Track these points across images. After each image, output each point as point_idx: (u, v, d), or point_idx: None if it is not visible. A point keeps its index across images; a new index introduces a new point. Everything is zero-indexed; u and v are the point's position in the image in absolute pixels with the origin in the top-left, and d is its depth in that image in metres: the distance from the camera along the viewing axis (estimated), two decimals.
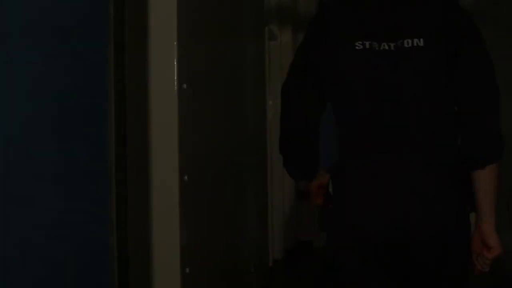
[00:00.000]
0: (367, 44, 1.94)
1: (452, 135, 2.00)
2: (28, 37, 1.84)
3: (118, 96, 2.59)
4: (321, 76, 2.05)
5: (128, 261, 2.64)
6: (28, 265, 1.83)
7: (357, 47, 1.95)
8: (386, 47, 1.93)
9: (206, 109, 3.07)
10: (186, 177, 2.73)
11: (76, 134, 2.20)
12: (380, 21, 1.96)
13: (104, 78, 2.44)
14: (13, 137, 1.77)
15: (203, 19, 3.05)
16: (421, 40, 1.91)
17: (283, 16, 6.06)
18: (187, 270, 2.71)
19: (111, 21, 2.49)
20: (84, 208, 2.23)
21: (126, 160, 2.64)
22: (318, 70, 2.05)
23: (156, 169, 2.65)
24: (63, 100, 2.12)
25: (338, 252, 2.09)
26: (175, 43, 2.63)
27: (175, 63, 2.65)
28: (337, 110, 2.08)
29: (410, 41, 1.92)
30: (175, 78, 2.64)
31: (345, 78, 2.00)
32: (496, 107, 1.94)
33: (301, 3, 6.32)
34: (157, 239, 2.65)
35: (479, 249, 2.00)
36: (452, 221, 1.99)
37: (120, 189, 2.54)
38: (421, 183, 1.96)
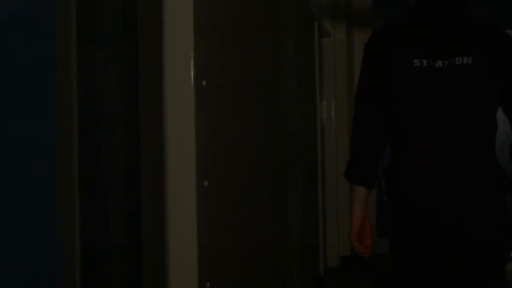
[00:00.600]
0: (424, 62, 2.24)
1: (494, 145, 2.32)
2: None
3: (130, 94, 2.37)
4: (385, 94, 2.32)
5: (141, 274, 2.42)
6: None
7: (415, 64, 2.25)
8: (441, 64, 2.24)
9: (230, 109, 2.83)
10: (206, 183, 2.49)
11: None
12: (435, 41, 2.27)
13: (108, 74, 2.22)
14: None
15: (229, 10, 2.81)
16: (470, 58, 2.22)
17: (337, 12, 5.77)
18: (208, 285, 2.47)
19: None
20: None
21: (138, 164, 2.42)
22: (382, 89, 2.32)
23: (171, 174, 2.42)
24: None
25: (397, 236, 2.37)
26: (191, 33, 2.39)
27: (192, 56, 2.41)
28: (395, 121, 2.34)
29: (460, 58, 2.23)
30: (192, 73, 2.40)
31: (404, 92, 2.29)
32: None
33: None
34: (173, 251, 2.42)
35: None
36: (498, 219, 2.28)
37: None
38: (473, 188, 2.26)
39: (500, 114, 2.34)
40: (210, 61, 2.58)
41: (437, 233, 2.29)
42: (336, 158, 5.76)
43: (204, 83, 2.49)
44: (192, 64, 2.41)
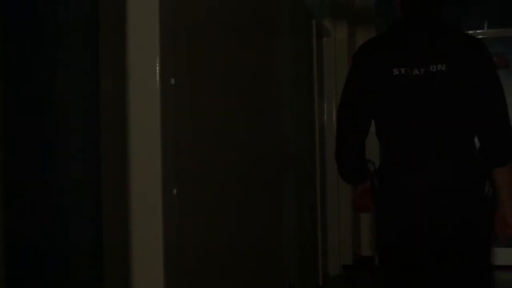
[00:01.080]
0: (402, 70, 2.45)
1: (471, 140, 2.53)
2: None
3: (89, 93, 2.17)
4: (367, 99, 2.51)
5: None
6: None
7: (394, 73, 2.46)
8: (417, 72, 2.44)
9: (209, 110, 2.61)
10: (175, 191, 2.27)
11: None
12: (413, 51, 2.48)
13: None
14: None
15: (208, 8, 2.60)
16: (444, 65, 2.43)
17: (338, 10, 5.53)
18: None
19: None
20: None
21: (99, 169, 2.21)
22: (364, 96, 2.51)
23: (135, 182, 2.21)
24: None
25: (386, 231, 2.56)
26: (157, 25, 2.18)
27: (158, 50, 2.20)
28: (380, 124, 2.55)
29: (435, 66, 2.43)
30: (157, 70, 2.19)
31: (385, 98, 2.50)
32: (508, 121, 2.48)
33: None
34: (137, 270, 2.21)
35: (500, 227, 2.50)
36: (477, 210, 2.50)
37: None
38: (451, 180, 2.46)
39: None
40: (182, 59, 2.37)
41: (422, 224, 2.48)
42: None
43: (173, 81, 2.28)
44: (157, 60, 2.20)
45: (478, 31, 5.90)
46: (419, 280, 2.52)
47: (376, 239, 2.65)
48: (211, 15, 2.68)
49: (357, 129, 2.55)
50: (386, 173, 2.55)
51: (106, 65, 2.22)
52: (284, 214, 3.72)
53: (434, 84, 2.44)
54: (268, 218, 3.46)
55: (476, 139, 2.52)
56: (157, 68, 2.19)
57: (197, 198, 2.50)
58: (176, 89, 2.30)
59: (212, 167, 2.63)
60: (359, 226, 5.92)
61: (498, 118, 2.48)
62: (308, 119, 4.50)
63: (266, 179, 3.40)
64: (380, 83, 2.48)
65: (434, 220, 2.46)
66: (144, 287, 2.18)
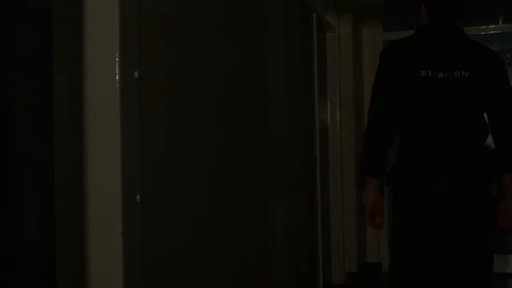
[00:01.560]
0: (429, 72, 2.66)
1: (484, 143, 2.75)
2: None
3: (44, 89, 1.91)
4: (394, 95, 2.71)
5: None
6: None
7: (421, 74, 2.66)
8: (442, 76, 2.66)
9: (183, 107, 2.35)
10: (138, 197, 2.02)
11: None
12: (438, 57, 2.69)
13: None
14: None
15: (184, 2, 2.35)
16: (467, 72, 2.66)
17: (342, 4, 5.24)
18: None
19: None
20: None
21: (52, 173, 1.95)
22: (392, 92, 2.72)
23: (92, 188, 1.95)
24: None
25: (403, 228, 2.75)
26: (116, 13, 1.93)
27: (118, 40, 1.94)
28: (403, 120, 2.73)
29: (458, 72, 2.66)
30: (117, 62, 1.94)
31: (411, 97, 2.70)
32: None
33: None
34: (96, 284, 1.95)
35: (503, 220, 2.73)
36: (486, 208, 2.72)
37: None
38: (465, 179, 2.68)
39: None
40: (152, 51, 2.11)
41: (435, 219, 2.68)
42: (341, 164, 5.23)
43: (136, 74, 2.02)
44: (117, 50, 1.94)
45: (491, 26, 5.61)
46: (434, 277, 2.75)
47: (392, 238, 2.82)
48: (186, 6, 2.42)
49: (386, 120, 2.74)
50: (402, 169, 2.75)
51: (61, 56, 1.96)
52: (274, 219, 3.46)
53: (457, 88, 2.68)
54: (255, 223, 3.19)
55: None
56: (117, 58, 1.94)
57: (170, 205, 2.24)
58: (142, 83, 2.05)
59: (189, 170, 2.37)
60: (364, 231, 5.63)
61: (509, 125, 2.75)
62: (306, 118, 4.22)
63: (253, 182, 3.13)
64: (407, 82, 2.70)
65: (448, 216, 2.67)
66: None
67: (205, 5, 2.57)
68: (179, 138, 2.31)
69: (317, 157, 4.55)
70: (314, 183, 4.51)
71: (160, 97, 2.18)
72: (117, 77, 1.93)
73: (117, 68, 1.93)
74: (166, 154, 2.21)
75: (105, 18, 1.94)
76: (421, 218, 2.68)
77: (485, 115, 2.76)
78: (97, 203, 1.95)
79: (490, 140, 2.76)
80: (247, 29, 3.09)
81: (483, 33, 5.57)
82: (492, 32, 5.61)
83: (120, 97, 1.93)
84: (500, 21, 5.81)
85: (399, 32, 5.28)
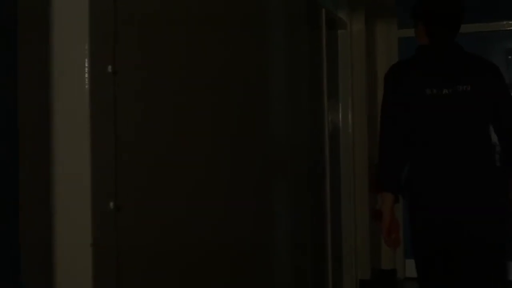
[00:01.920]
0: (434, 90, 2.85)
1: (491, 151, 2.91)
2: None
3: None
4: (403, 114, 2.88)
5: None
6: None
7: (427, 92, 2.85)
8: (446, 92, 2.84)
9: (165, 106, 2.16)
10: (112, 205, 1.83)
11: None
12: (441, 74, 2.88)
13: None
14: None
15: None
16: (469, 86, 2.84)
17: (354, 0, 5.02)
18: None
19: None
20: None
21: (16, 177, 1.77)
22: (400, 111, 2.89)
23: (60, 193, 1.77)
24: None
25: (420, 225, 2.95)
26: (87, 6, 1.75)
27: (88, 33, 1.75)
28: (412, 137, 2.89)
29: (461, 87, 2.84)
30: (87, 52, 1.75)
31: (419, 114, 2.88)
32: None
33: None
34: None
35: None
36: (498, 210, 2.88)
37: None
38: (475, 183, 2.86)
39: None
40: (130, 44, 1.92)
41: (449, 227, 2.88)
42: (354, 167, 5.01)
43: (110, 69, 1.83)
44: (87, 40, 1.75)
45: (510, 21, 5.35)
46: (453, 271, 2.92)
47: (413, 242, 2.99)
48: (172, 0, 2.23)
49: (400, 140, 2.92)
50: (417, 184, 2.93)
51: (25, 50, 1.78)
52: (273, 223, 3.25)
53: (461, 102, 2.85)
54: (249, 228, 2.99)
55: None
56: (86, 49, 1.75)
57: (151, 212, 2.05)
58: (117, 79, 1.86)
59: (172, 174, 2.18)
60: (378, 236, 5.41)
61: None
62: (313, 120, 4.01)
63: (247, 185, 2.93)
64: (414, 101, 2.88)
65: (463, 217, 2.86)
66: None
67: (194, 0, 2.37)
68: (160, 138, 2.12)
69: (326, 160, 4.33)
70: (323, 186, 4.29)
71: (138, 94, 1.99)
72: (86, 71, 1.74)
73: (86, 62, 1.74)
74: (146, 155, 2.02)
75: (75, 11, 1.75)
76: (436, 224, 2.89)
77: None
78: (65, 211, 1.76)
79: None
80: (243, 26, 2.88)
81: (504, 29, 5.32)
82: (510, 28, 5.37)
83: (89, 93, 1.74)
84: None
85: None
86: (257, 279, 2.96)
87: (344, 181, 5.01)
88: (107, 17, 1.83)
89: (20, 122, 1.78)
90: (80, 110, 1.74)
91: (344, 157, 5.02)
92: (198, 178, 2.34)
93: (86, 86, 1.74)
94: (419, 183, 2.92)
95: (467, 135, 2.86)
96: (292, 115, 3.52)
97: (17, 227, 1.76)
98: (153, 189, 2.05)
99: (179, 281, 2.21)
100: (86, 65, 1.75)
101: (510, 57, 5.50)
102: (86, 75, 1.74)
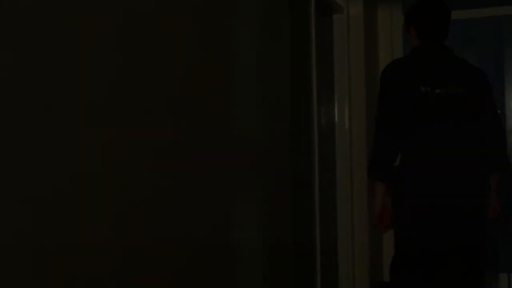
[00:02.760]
0: (428, 88, 3.07)
1: (478, 149, 3.17)
2: None
3: None
4: (400, 113, 3.09)
5: None
6: None
7: (421, 90, 3.07)
8: (439, 91, 3.08)
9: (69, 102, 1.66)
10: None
11: None
12: (434, 74, 3.12)
13: None
14: None
15: None
16: (460, 88, 3.10)
17: None
18: None
19: None
20: None
21: None
22: (396, 106, 3.09)
23: None
24: None
25: (409, 213, 3.15)
26: None
27: None
28: (404, 131, 3.11)
29: (453, 88, 3.09)
30: None
31: (411, 111, 3.08)
32: (504, 138, 3.30)
33: None
34: None
35: (492, 211, 3.25)
36: (480, 197, 3.17)
37: None
38: (463, 176, 3.11)
39: None
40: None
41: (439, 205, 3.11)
42: (351, 168, 4.48)
43: None
44: None
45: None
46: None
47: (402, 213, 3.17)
48: None
49: (395, 133, 3.08)
50: (407, 174, 3.12)
51: None
52: (235, 226, 2.76)
53: (452, 103, 3.06)
54: (215, 242, 2.49)
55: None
56: None
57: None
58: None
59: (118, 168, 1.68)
60: (379, 244, 4.88)
61: (498, 135, 3.20)
62: (299, 115, 3.50)
63: (209, 189, 2.44)
64: (409, 97, 3.05)
65: (450, 213, 3.10)
66: None
67: None
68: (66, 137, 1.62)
69: (314, 158, 3.81)
70: (310, 186, 3.78)
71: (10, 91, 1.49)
72: None
73: None
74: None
75: None
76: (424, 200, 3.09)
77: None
78: None
79: None
80: (198, 12, 2.38)
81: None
82: None
83: None
84: None
85: None
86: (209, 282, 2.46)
87: (340, 182, 4.49)
88: None
89: None
90: None
91: (340, 156, 4.50)
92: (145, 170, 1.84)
93: None
94: (410, 176, 3.11)
95: (458, 132, 3.08)
96: (266, 109, 3.01)
97: None
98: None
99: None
100: None
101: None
102: None
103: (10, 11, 1.47)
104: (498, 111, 3.30)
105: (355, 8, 4.44)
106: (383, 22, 4.84)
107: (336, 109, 4.51)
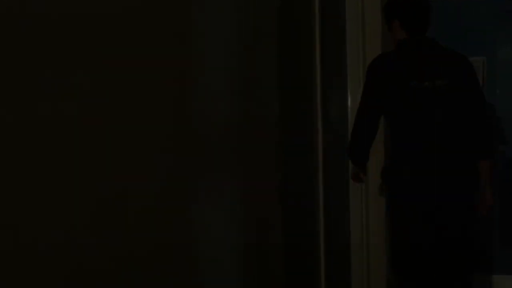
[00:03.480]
0: (416, 82, 3.13)
1: (464, 140, 3.20)
2: None
3: None
4: (383, 104, 3.23)
5: None
6: None
7: (410, 84, 3.12)
8: (426, 85, 3.13)
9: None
10: None
11: None
12: (422, 68, 3.17)
13: None
14: None
15: None
16: (445, 79, 3.14)
17: None
18: None
19: None
20: None
21: None
22: (381, 101, 3.22)
23: None
24: None
25: (401, 209, 3.28)
26: None
27: None
28: (394, 125, 3.28)
29: (439, 80, 3.14)
30: None
31: (402, 105, 3.19)
32: (490, 126, 3.38)
33: None
34: None
35: (483, 203, 3.22)
36: (466, 192, 3.22)
37: None
38: (449, 170, 3.15)
39: None
40: None
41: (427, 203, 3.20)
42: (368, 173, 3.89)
43: None
44: None
45: None
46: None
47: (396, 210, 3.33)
48: None
49: (373, 124, 3.25)
50: (397, 171, 3.23)
51: None
52: (199, 232, 2.25)
53: (439, 94, 3.14)
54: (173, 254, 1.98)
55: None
56: None
57: None
58: None
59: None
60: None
61: (482, 121, 3.21)
62: (289, 107, 2.96)
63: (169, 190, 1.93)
64: (397, 92, 3.16)
65: (440, 205, 3.19)
66: None
67: None
68: None
69: (318, 153, 3.27)
70: (314, 183, 3.26)
71: None
72: None
73: None
74: None
75: None
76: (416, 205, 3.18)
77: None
78: None
79: None
80: None
81: None
82: None
83: None
84: None
85: None
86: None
87: (352, 186, 3.90)
88: None
89: None
90: None
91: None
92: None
93: None
94: (401, 171, 3.20)
95: (445, 123, 3.14)
96: (248, 95, 2.48)
97: None
98: None
99: None
100: None
101: None
102: None
103: None
104: (485, 97, 3.28)
105: None
106: None
107: (349, 98, 3.93)
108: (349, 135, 3.47)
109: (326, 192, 3.38)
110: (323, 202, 3.33)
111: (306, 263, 3.24)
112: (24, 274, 1.37)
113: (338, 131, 3.79)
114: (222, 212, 2.31)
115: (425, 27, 3.24)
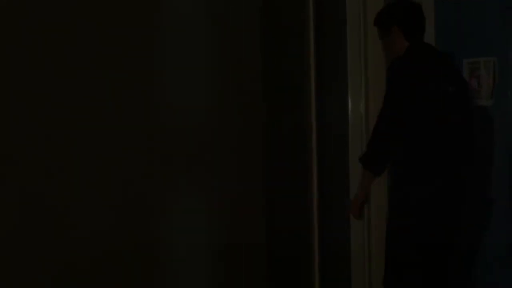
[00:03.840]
0: (441, 86, 3.13)
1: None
2: None
3: None
4: (407, 110, 3.11)
5: None
6: None
7: (429, 88, 3.10)
8: (451, 89, 3.15)
9: None
10: None
11: None
12: (438, 72, 3.18)
13: None
14: None
15: None
16: (454, 87, 3.18)
17: None
18: None
19: None
20: None
21: None
22: (405, 106, 3.11)
23: None
24: None
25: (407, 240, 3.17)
26: None
27: None
28: (416, 133, 3.15)
29: (450, 87, 3.16)
30: None
31: (425, 109, 3.11)
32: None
33: None
34: None
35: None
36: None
37: None
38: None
39: None
40: None
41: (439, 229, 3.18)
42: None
43: None
44: None
45: None
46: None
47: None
48: None
49: (397, 129, 3.10)
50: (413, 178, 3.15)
51: None
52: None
53: (451, 100, 3.14)
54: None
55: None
56: None
57: None
58: None
59: None
60: None
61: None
62: (278, 112, 2.83)
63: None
64: (423, 97, 3.08)
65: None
66: None
67: None
68: None
69: (312, 155, 3.13)
70: (307, 187, 3.13)
71: None
72: None
73: None
74: None
75: None
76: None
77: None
78: None
79: None
80: None
81: None
82: None
83: None
84: None
85: None
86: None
87: (353, 184, 3.74)
88: None
89: None
90: None
91: (354, 161, 3.72)
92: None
93: None
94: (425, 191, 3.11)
95: (458, 128, 3.17)
96: (221, 95, 2.34)
97: None
98: None
99: None
100: None
101: None
102: None
103: None
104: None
105: None
106: None
107: (350, 102, 3.80)
108: (367, 141, 3.40)
109: (322, 197, 3.28)
110: (317, 211, 3.22)
111: (299, 272, 3.11)
112: None
113: (338, 132, 3.67)
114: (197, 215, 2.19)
115: (423, 32, 3.30)
